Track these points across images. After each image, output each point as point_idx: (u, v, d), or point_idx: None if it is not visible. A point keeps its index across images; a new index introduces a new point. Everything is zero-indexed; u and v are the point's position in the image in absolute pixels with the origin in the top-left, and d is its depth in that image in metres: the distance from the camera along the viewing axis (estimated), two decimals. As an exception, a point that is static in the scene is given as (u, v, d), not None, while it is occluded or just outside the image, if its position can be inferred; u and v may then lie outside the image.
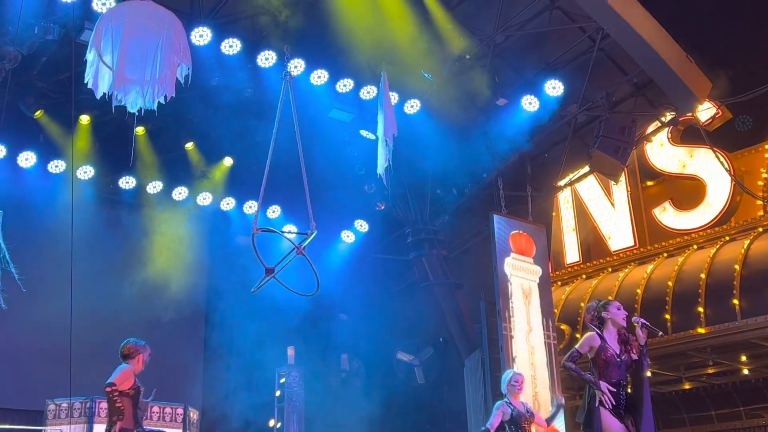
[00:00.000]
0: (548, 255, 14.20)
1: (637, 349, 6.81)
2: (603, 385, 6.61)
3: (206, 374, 15.28)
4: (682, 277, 13.30)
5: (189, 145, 14.26)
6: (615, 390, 6.64)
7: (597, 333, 6.81)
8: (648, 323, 6.85)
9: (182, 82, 8.35)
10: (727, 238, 13.54)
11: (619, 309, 6.92)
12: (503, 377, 9.04)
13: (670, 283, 13.28)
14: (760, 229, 13.15)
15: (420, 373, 15.71)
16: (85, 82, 8.15)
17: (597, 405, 6.60)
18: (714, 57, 12.73)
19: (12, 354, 13.29)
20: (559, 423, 12.06)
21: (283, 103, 8.00)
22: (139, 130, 13.09)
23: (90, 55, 8.12)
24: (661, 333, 7.38)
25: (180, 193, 14.77)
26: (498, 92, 13.40)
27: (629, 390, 6.76)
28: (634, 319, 6.92)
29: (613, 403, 6.61)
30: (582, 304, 14.28)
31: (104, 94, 8.04)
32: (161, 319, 14.07)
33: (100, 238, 13.55)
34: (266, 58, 12.06)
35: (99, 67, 8.02)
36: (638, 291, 13.59)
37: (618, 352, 6.76)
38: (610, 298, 13.71)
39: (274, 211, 15.53)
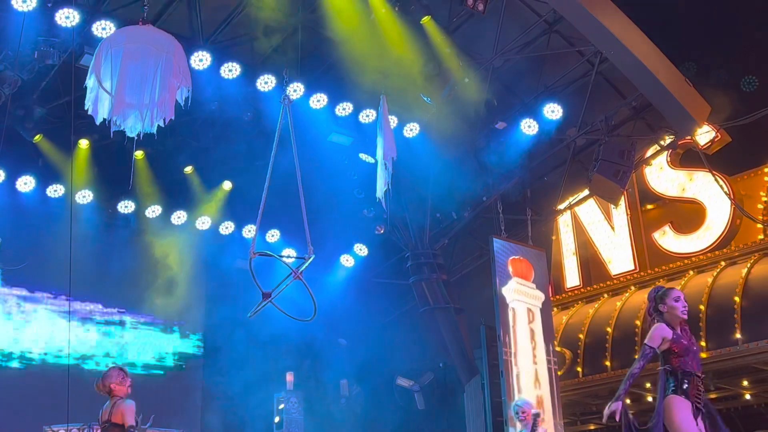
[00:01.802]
0: (548, 279, 14.14)
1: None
2: (618, 404, 5.78)
3: (204, 400, 15.15)
4: (683, 301, 13.20)
5: (188, 169, 14.26)
6: (699, 381, 5.90)
7: (665, 323, 6.04)
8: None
9: (182, 105, 8.35)
10: (728, 261, 13.48)
11: (677, 300, 6.10)
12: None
13: (670, 308, 13.19)
14: (761, 253, 13.09)
15: (420, 399, 15.59)
16: (85, 108, 8.15)
17: (675, 394, 5.83)
18: (713, 78, 12.75)
19: (9, 380, 13.21)
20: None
21: (282, 126, 7.99)
22: (138, 154, 13.09)
23: (90, 82, 8.13)
24: None
25: (179, 217, 14.73)
26: (497, 116, 13.43)
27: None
28: None
29: (698, 394, 5.85)
30: (582, 329, 14.19)
31: (104, 119, 8.05)
32: (159, 344, 13.97)
33: (98, 262, 13.51)
34: (265, 82, 12.11)
35: (99, 93, 8.02)
36: (639, 316, 13.50)
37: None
38: (611, 322, 13.70)
39: (273, 235, 15.49)
